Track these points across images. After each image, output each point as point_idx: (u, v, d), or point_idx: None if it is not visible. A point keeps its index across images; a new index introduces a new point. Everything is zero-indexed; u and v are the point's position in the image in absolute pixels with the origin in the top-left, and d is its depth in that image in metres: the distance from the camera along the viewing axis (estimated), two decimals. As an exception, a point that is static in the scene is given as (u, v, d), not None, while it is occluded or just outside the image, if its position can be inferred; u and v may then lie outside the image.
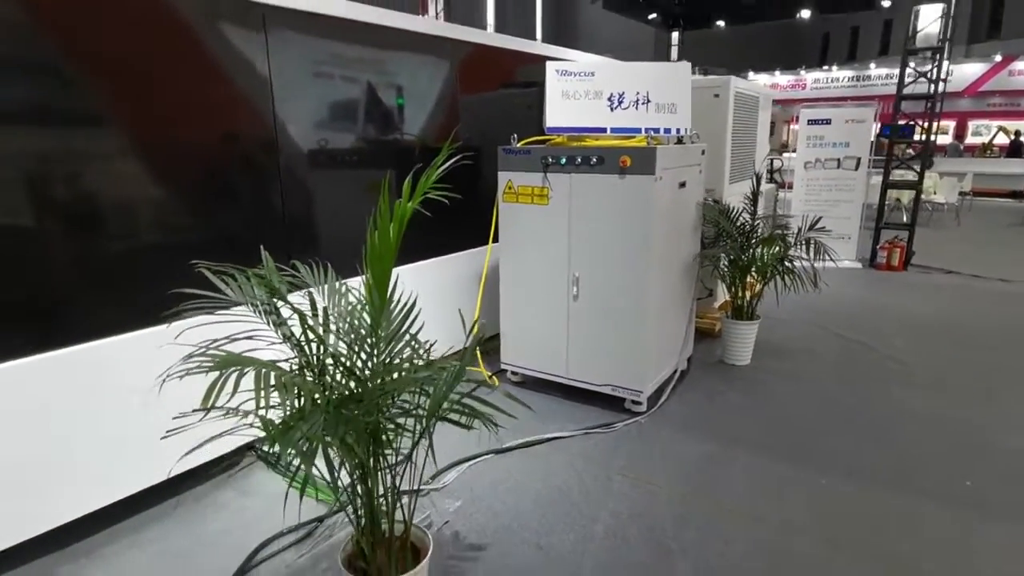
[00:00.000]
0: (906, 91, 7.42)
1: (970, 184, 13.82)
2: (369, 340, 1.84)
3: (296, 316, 1.81)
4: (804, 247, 4.35)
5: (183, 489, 2.94)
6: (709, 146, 4.25)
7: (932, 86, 7.34)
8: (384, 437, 1.82)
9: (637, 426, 3.59)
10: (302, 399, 1.51)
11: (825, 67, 26.97)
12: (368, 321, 1.85)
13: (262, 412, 1.52)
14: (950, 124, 23.68)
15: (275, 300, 1.86)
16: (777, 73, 26.96)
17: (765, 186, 7.09)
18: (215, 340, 1.77)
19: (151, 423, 2.52)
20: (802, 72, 27.09)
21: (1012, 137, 16.96)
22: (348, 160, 3.51)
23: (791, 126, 19.82)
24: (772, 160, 11.24)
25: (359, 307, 1.92)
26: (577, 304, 3.70)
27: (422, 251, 3.99)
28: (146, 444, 2.56)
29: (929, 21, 7.08)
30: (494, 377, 4.17)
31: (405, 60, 3.72)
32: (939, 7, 6.93)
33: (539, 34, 29.78)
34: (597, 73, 3.68)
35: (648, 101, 3.69)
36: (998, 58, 23.34)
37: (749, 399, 3.98)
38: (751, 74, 26.78)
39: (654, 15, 19.48)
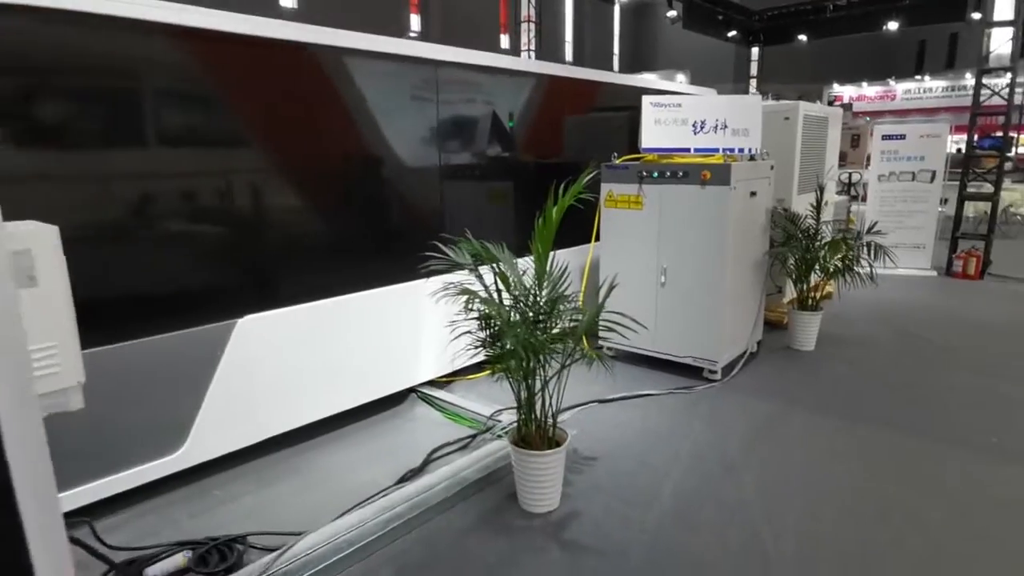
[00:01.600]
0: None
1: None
2: (534, 292, 2.83)
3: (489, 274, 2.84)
4: (866, 249, 5.03)
5: (371, 414, 4.04)
6: (779, 162, 5.04)
7: (1011, 100, 7.65)
8: (542, 356, 2.79)
9: (712, 389, 4.42)
10: (511, 314, 2.51)
11: (917, 77, 26.16)
12: (534, 279, 2.85)
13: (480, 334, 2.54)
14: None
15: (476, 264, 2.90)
16: (864, 84, 26.40)
17: (837, 197, 7.68)
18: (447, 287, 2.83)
19: (384, 353, 3.72)
20: (891, 83, 26.38)
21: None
22: (481, 174, 4.57)
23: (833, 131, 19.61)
24: (851, 174, 11.59)
25: (524, 272, 2.93)
26: (664, 289, 4.58)
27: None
28: (375, 368, 3.72)
29: (1001, 42, 7.45)
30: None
31: (518, 95, 4.76)
32: (1009, 30, 7.30)
33: (616, 55, 30.63)
34: (684, 104, 4.59)
35: (725, 126, 4.55)
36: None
37: (809, 375, 4.71)
38: (835, 86, 26.38)
39: (733, 32, 19.92)
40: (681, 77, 21.88)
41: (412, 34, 21.60)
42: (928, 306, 6.71)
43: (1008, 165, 15.97)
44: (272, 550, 2.55)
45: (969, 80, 23.66)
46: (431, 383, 4.39)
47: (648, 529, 2.83)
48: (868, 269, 4.92)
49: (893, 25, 18.47)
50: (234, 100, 3.13)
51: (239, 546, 2.64)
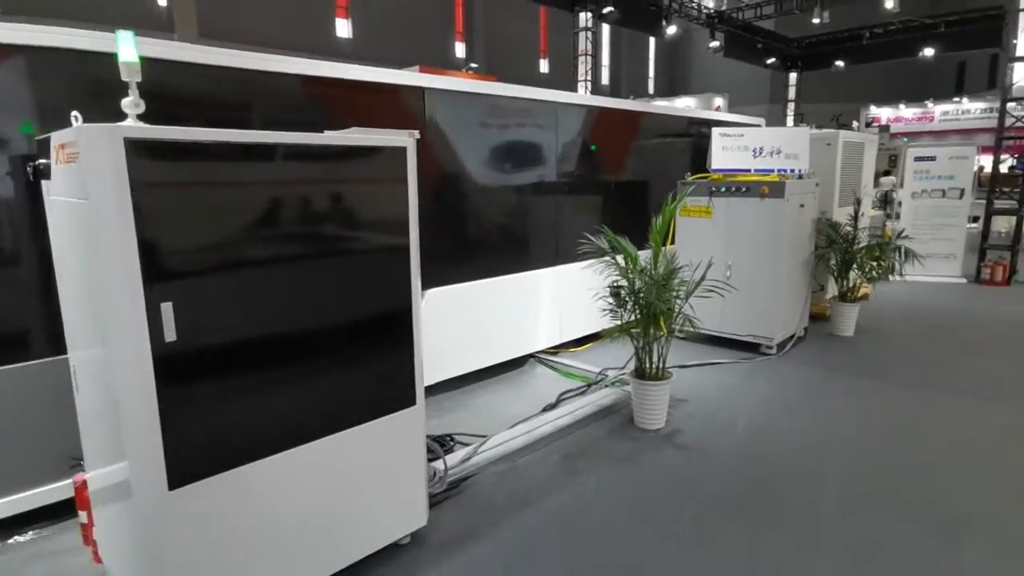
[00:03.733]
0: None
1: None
2: (652, 272, 4.02)
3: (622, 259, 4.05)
4: (897, 252, 6.09)
5: (504, 372, 5.26)
6: (823, 180, 6.15)
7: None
8: (661, 315, 3.96)
9: (769, 360, 5.52)
10: (643, 280, 3.71)
11: (956, 99, 26.67)
12: (653, 262, 4.04)
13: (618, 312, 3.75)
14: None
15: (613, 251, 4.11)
16: (902, 106, 27.01)
17: (873, 212, 8.68)
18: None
19: (523, 323, 4.96)
20: (929, 104, 26.92)
21: None
22: (578, 188, 5.80)
23: (870, 153, 20.23)
24: (887, 192, 12.49)
25: (644, 259, 4.13)
26: (730, 280, 5.71)
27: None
28: (517, 333, 4.96)
29: (1023, 75, 8.44)
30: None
31: (603, 128, 5.99)
32: (1030, 65, 8.29)
33: (651, 80, 31.83)
34: (745, 134, 5.76)
35: (779, 151, 5.70)
36: None
37: (848, 353, 5.77)
38: (872, 108, 27.06)
39: (772, 59, 20.98)
40: (719, 101, 22.94)
41: (474, 65, 23.19)
42: (956, 307, 7.66)
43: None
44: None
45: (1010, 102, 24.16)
46: (545, 352, 5.60)
47: (731, 441, 3.97)
48: (900, 267, 5.98)
49: (929, 51, 19.26)
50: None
51: (450, 440, 3.87)
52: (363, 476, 2.56)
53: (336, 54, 19.38)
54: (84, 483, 2.77)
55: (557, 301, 5.53)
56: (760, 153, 5.73)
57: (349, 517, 2.54)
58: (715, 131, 5.82)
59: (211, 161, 2.00)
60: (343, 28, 21.70)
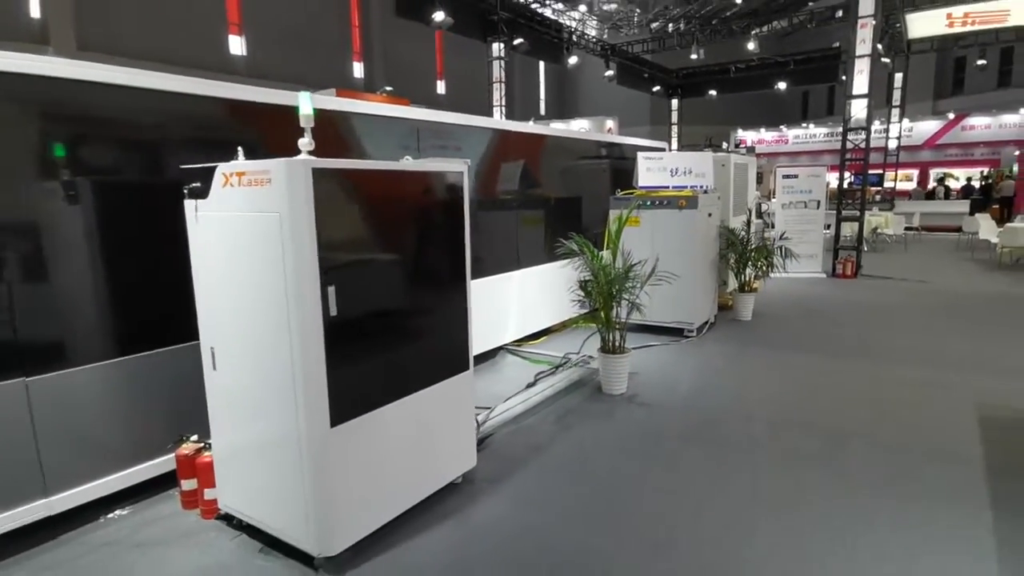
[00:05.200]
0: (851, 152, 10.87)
1: (918, 221, 17.29)
2: (613, 268, 5.06)
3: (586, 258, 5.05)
4: (779, 251, 7.63)
5: (479, 361, 6.06)
6: (721, 194, 7.57)
7: (868, 150, 10.79)
8: (614, 300, 4.98)
9: (692, 341, 6.77)
10: (605, 273, 4.72)
11: (804, 124, 31.04)
12: (610, 260, 5.08)
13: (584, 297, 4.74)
14: (914, 172, 27.38)
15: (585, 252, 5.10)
16: (762, 130, 30.97)
17: (756, 221, 10.41)
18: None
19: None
20: (784, 129, 31.12)
21: (955, 183, 20.54)
22: (525, 204, 6.79)
23: (774, 176, 23.45)
24: (760, 204, 14.66)
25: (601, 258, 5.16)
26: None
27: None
28: (492, 327, 5.78)
29: (858, 109, 10.61)
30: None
31: (539, 152, 7.06)
32: (864, 101, 10.47)
33: (543, 105, 33.87)
34: (665, 158, 7.05)
35: (691, 171, 7.04)
36: (951, 116, 27.20)
37: (750, 332, 7.18)
38: (739, 131, 30.79)
39: (658, 87, 23.46)
40: (610, 123, 25.16)
41: (388, 88, 23.55)
42: (821, 295, 9.49)
43: (876, 197, 19.83)
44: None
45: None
46: (511, 344, 6.48)
47: (679, 398, 5.08)
48: (782, 263, 7.51)
49: (782, 84, 22.51)
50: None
51: (460, 412, 4.63)
52: (439, 424, 3.31)
53: (229, 72, 18.72)
54: (196, 453, 3.31)
55: (520, 300, 6.45)
56: (676, 173, 7.04)
57: (433, 455, 3.29)
58: (640, 155, 7.06)
59: (353, 183, 2.73)
60: (236, 45, 20.86)
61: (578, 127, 20.94)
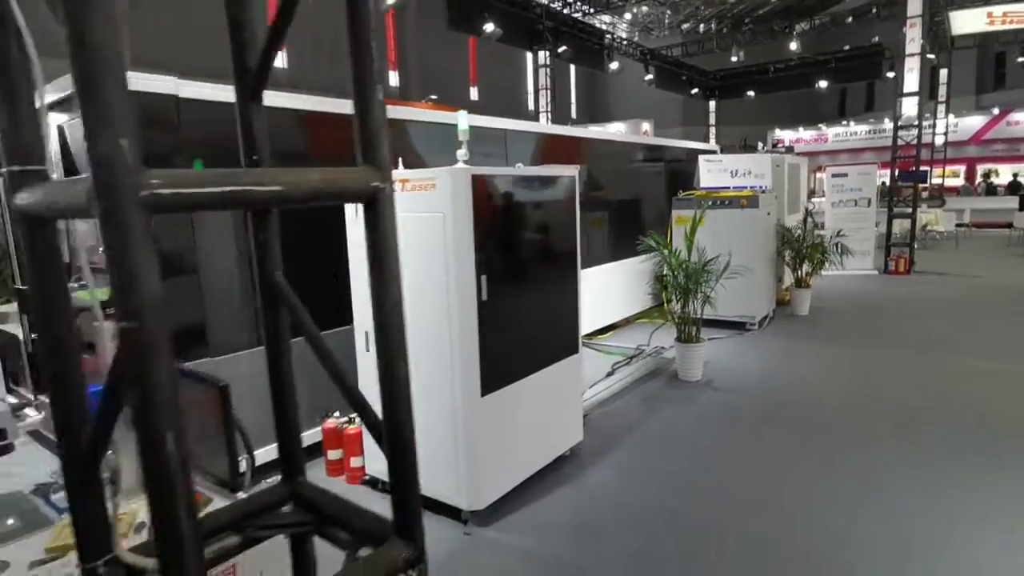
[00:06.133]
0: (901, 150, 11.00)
1: (968, 217, 17.12)
2: (689, 264, 5.43)
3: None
4: (836, 247, 7.87)
5: (557, 353, 6.48)
6: (777, 193, 7.86)
7: (919, 148, 10.90)
8: (692, 292, 5.35)
9: (754, 334, 7.09)
10: (682, 268, 5.10)
11: (844, 122, 30.72)
12: (686, 255, 5.45)
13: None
14: (960, 168, 26.91)
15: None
16: (801, 129, 30.77)
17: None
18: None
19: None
20: (823, 127, 30.86)
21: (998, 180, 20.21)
22: (589, 206, 7.19)
23: (816, 175, 23.36)
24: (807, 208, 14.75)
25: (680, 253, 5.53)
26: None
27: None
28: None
29: (909, 106, 10.74)
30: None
31: (603, 156, 7.45)
32: (915, 99, 10.60)
33: (574, 109, 34.14)
34: (724, 160, 7.38)
35: (750, 172, 7.36)
36: (996, 111, 26.67)
37: (809, 325, 7.45)
38: (777, 131, 30.67)
39: (696, 90, 23.62)
40: (646, 125, 25.39)
41: (433, 97, 24.30)
42: (875, 291, 9.65)
43: (924, 194, 19.68)
44: (576, 393, 4.99)
45: (887, 124, 28.20)
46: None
47: (751, 384, 5.42)
48: (839, 260, 7.76)
49: (823, 83, 22.44)
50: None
51: (552, 397, 5.06)
52: (557, 399, 3.75)
53: (275, 84, 19.68)
54: (341, 426, 3.80)
55: (588, 297, 6.85)
56: (736, 174, 7.36)
57: (552, 427, 3.72)
58: (701, 158, 7.41)
59: (499, 187, 3.19)
60: (279, 59, 22.04)
61: (615, 130, 21.32)
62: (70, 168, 3.68)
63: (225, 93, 1.43)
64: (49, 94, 1.18)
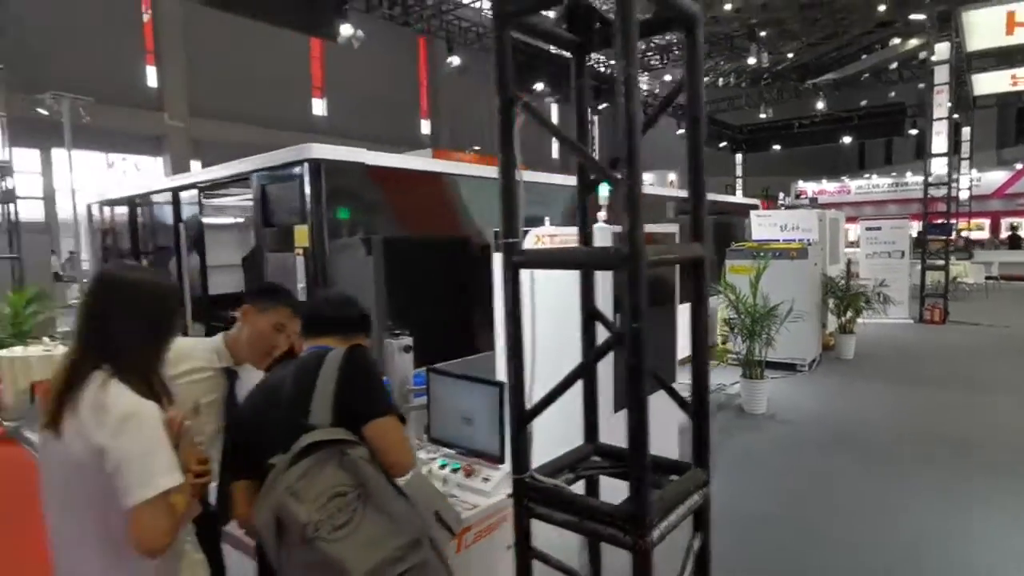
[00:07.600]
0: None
1: (996, 270, 17.59)
2: (754, 309, 6.12)
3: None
4: (878, 297, 8.51)
5: (626, 387, 7.13)
6: (822, 245, 8.57)
7: (949, 203, 11.59)
8: (757, 335, 6.01)
9: (805, 374, 7.68)
10: (749, 312, 5.78)
11: (866, 175, 31.54)
12: (751, 299, 6.14)
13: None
14: (985, 221, 27.41)
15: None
16: (824, 181, 31.61)
17: (841, 268, 11.24)
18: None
19: None
20: (845, 180, 31.68)
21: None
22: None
23: (842, 226, 24.05)
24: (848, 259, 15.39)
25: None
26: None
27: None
28: None
29: (939, 166, 11.50)
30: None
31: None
32: (944, 160, 11.36)
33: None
34: (773, 215, 8.13)
35: (798, 227, 8.09)
36: (1018, 166, 27.31)
37: (855, 368, 8.03)
38: (800, 183, 31.55)
39: (724, 144, 24.72)
40: (672, 176, 26.40)
41: (476, 148, 25.46)
42: (914, 339, 10.20)
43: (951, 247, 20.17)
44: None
45: (908, 177, 28.97)
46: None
47: (811, 417, 6.01)
48: (883, 308, 8.39)
49: (847, 139, 23.40)
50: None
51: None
52: (661, 423, 4.39)
53: (314, 131, 20.24)
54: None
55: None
56: (785, 228, 8.10)
57: (656, 448, 4.37)
58: (753, 214, 8.17)
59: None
60: (319, 107, 23.07)
61: (647, 182, 22.25)
62: (267, 220, 4.54)
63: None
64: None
